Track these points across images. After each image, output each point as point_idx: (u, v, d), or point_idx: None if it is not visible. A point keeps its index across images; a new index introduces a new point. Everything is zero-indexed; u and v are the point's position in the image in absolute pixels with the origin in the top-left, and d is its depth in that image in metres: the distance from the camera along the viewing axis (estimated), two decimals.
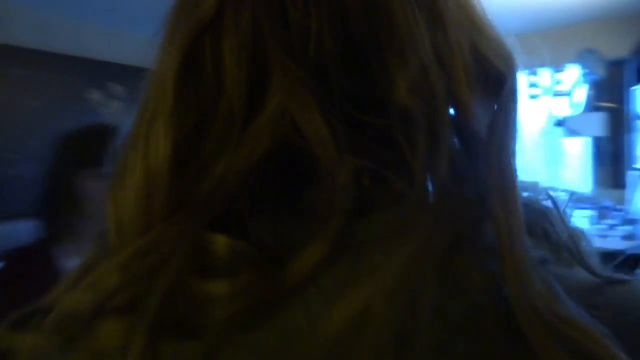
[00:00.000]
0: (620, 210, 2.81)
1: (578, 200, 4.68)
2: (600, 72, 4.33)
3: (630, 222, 2.67)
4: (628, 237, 2.47)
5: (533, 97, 4.82)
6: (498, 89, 0.30)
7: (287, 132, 0.25)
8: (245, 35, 0.25)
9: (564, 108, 4.94)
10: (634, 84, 3.11)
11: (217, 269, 0.23)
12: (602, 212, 2.75)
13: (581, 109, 4.62)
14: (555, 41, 4.92)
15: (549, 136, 5.13)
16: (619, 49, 4.53)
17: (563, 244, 0.28)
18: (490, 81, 0.30)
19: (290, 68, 0.24)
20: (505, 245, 0.24)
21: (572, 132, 4.58)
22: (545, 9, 4.13)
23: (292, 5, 0.25)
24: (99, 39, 3.48)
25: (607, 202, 4.29)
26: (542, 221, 0.29)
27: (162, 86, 0.26)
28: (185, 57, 0.26)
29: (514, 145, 0.29)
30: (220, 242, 0.23)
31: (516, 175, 0.28)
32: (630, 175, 2.99)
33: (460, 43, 0.28)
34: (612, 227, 2.80)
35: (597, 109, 4.63)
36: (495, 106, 0.29)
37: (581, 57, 4.48)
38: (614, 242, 2.45)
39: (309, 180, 0.26)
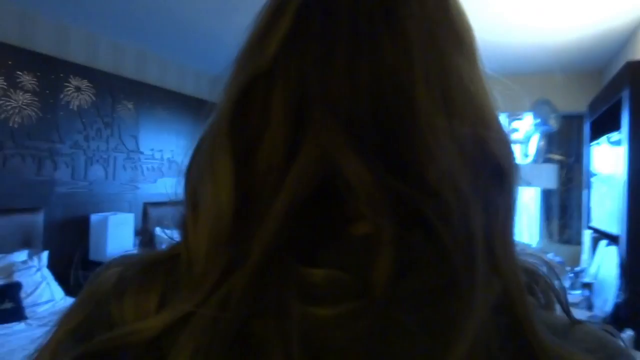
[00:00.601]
0: (575, 272, 2.58)
1: (522, 252, 4.52)
2: (554, 124, 4.25)
3: (586, 286, 2.43)
4: (582, 305, 2.22)
5: None
6: (499, 182, 0.33)
7: (327, 173, 0.28)
8: (293, 86, 0.30)
9: (517, 157, 4.84)
10: (589, 140, 2.96)
11: (321, 298, 0.27)
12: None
13: (533, 159, 4.52)
14: (513, 90, 4.84)
15: None
16: (574, 104, 4.51)
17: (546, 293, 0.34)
18: (493, 174, 0.32)
19: (329, 118, 0.29)
20: (516, 300, 0.29)
21: (523, 182, 4.45)
22: (506, 55, 4.04)
23: (333, 67, 0.29)
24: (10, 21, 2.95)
25: (556, 258, 4.15)
26: (532, 277, 0.34)
27: (219, 120, 0.32)
28: (241, 96, 0.31)
29: (513, 226, 0.33)
30: (318, 273, 0.28)
31: (515, 249, 0.31)
32: (586, 235, 2.79)
33: (467, 134, 0.31)
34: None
35: (549, 160, 4.55)
36: (496, 195, 0.32)
37: (535, 107, 4.40)
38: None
39: (348, 217, 0.30)
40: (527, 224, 5.01)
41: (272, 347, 0.26)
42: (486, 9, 2.87)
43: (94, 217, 3.33)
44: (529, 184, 4.45)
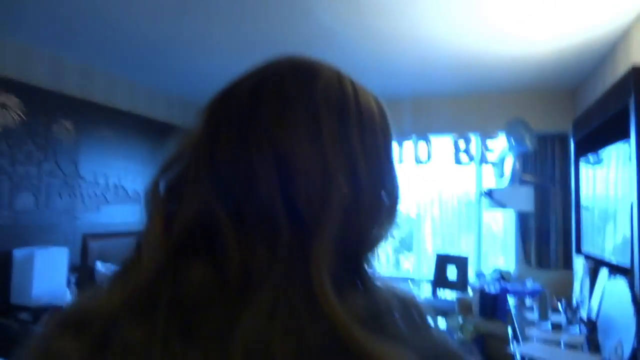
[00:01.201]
0: (568, 304, 2.26)
1: (502, 279, 4.24)
2: (530, 145, 4.04)
3: (587, 323, 2.12)
4: (586, 346, 1.89)
5: (459, 163, 4.45)
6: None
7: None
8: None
9: (491, 178, 4.60)
10: (575, 160, 2.71)
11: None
12: (543, 307, 2.18)
13: (509, 181, 4.29)
14: (485, 107, 4.68)
15: (475, 206, 4.74)
16: (549, 124, 4.34)
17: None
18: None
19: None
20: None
21: (498, 204, 4.21)
22: (479, 73, 3.84)
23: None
24: None
25: (535, 285, 3.87)
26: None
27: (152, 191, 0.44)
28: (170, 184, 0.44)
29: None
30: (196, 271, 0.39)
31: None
32: (577, 262, 2.50)
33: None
34: (556, 328, 2.23)
35: (525, 182, 4.32)
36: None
37: (510, 127, 4.20)
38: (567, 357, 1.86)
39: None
40: (503, 247, 4.75)
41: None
42: (472, 19, 2.62)
43: (18, 253, 2.82)
44: (504, 206, 4.21)
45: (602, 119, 2.13)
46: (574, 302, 2.35)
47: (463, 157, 4.43)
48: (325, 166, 0.40)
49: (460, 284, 4.56)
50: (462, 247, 5.02)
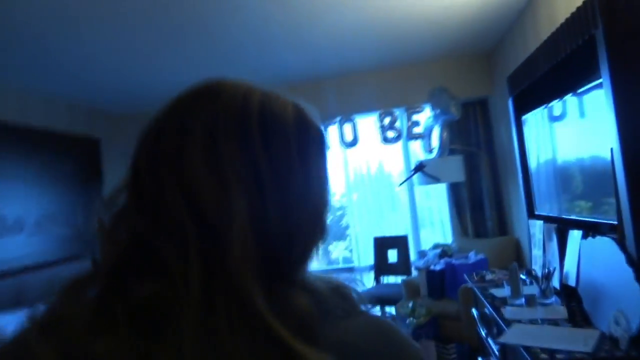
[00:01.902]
0: (533, 272, 2.04)
1: (445, 254, 4.07)
2: (456, 112, 3.88)
3: (567, 294, 1.89)
4: (579, 320, 1.65)
5: (387, 141, 4.20)
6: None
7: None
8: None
9: (420, 152, 4.41)
10: (514, 118, 2.51)
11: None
12: (514, 282, 1.93)
13: (437, 152, 4.11)
14: (408, 79, 4.47)
15: (406, 182, 4.53)
16: (470, 90, 4.22)
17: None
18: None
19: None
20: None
21: (431, 178, 4.02)
22: (399, 41, 3.57)
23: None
24: None
25: (479, 256, 3.74)
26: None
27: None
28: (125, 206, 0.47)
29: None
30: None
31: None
32: (535, 226, 2.29)
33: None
34: (530, 303, 1.98)
35: (455, 152, 4.18)
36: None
37: (433, 97, 4.01)
38: (555, 337, 1.60)
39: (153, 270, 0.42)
40: (438, 221, 4.61)
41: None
42: None
43: None
44: (437, 179, 4.02)
45: (549, 65, 1.90)
46: (536, 269, 2.13)
47: (390, 134, 4.19)
48: (221, 183, 0.42)
49: (403, 267, 4.34)
50: (397, 228, 4.81)
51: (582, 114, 1.88)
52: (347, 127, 4.26)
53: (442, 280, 3.68)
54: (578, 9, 1.58)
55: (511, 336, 1.58)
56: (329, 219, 0.50)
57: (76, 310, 0.41)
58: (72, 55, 3.01)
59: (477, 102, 4.28)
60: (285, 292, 0.42)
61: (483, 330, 2.23)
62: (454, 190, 4.34)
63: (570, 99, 1.97)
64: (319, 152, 0.48)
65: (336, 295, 0.45)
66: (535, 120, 2.32)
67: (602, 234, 1.61)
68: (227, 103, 0.45)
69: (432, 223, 4.67)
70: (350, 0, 2.65)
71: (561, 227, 1.97)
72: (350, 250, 5.05)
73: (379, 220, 4.91)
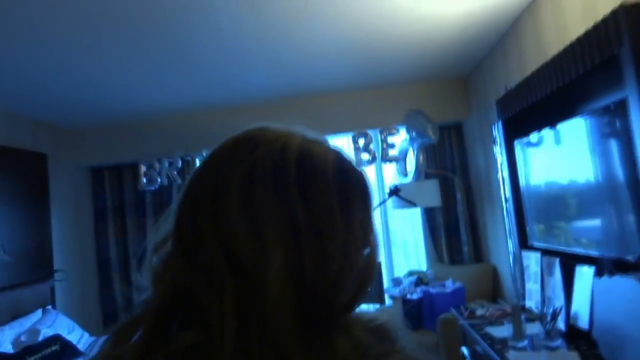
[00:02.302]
0: (536, 311, 1.86)
1: (420, 282, 3.88)
2: (432, 136, 3.76)
3: (573, 336, 1.72)
4: None
5: (362, 163, 4.01)
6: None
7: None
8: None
9: (395, 176, 4.24)
10: (505, 142, 2.38)
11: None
12: (517, 321, 1.73)
13: (413, 176, 3.96)
14: (383, 101, 4.32)
15: (380, 206, 4.34)
16: (445, 114, 4.12)
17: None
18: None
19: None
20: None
21: (406, 202, 3.85)
22: (374, 62, 3.42)
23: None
24: None
25: (457, 284, 3.57)
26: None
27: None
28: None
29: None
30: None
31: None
32: (531, 258, 2.13)
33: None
34: (534, 345, 1.79)
35: (429, 176, 4.04)
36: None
37: (409, 119, 3.88)
38: None
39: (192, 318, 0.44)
40: (413, 247, 4.44)
41: None
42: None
43: None
44: (412, 203, 3.86)
45: (551, 87, 1.77)
46: (532, 306, 1.96)
47: (364, 156, 4.00)
48: (258, 233, 0.42)
49: (377, 295, 4.11)
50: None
51: (573, 143, 1.76)
52: None
53: (419, 310, 3.47)
54: (595, 27, 1.44)
55: None
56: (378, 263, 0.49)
57: (123, 353, 0.43)
58: (14, 62, 2.65)
59: (452, 126, 4.19)
60: (325, 338, 0.42)
61: None
62: (429, 215, 4.18)
63: (564, 125, 1.84)
64: (361, 199, 0.48)
65: (375, 337, 0.45)
66: (523, 147, 2.18)
67: (623, 271, 1.45)
68: (265, 153, 0.45)
69: (406, 249, 4.48)
70: (329, 17, 2.46)
71: (565, 261, 1.82)
72: None
73: None
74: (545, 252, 2.02)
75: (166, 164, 4.04)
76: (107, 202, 4.31)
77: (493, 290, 3.72)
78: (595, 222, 1.69)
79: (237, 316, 0.39)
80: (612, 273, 1.49)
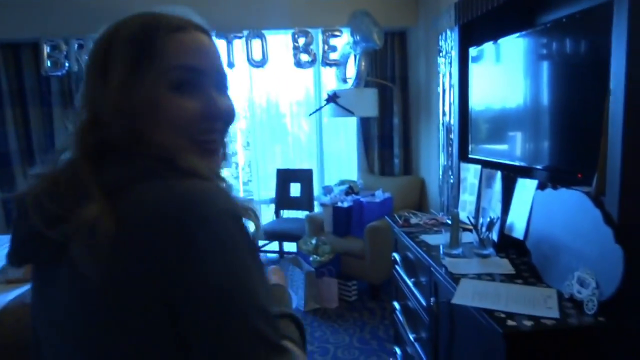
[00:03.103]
0: (467, 218, 1.87)
1: (351, 191, 3.88)
2: (378, 40, 3.53)
3: (493, 244, 1.76)
4: (528, 277, 1.50)
5: (300, 65, 3.73)
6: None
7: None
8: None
9: (334, 81, 4.02)
10: (459, 50, 2.25)
11: None
12: (455, 230, 1.74)
13: (353, 83, 3.77)
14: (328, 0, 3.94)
15: (319, 113, 4.16)
16: (391, 19, 3.86)
17: None
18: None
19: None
20: None
21: (344, 110, 3.70)
22: None
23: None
24: None
25: (386, 194, 3.61)
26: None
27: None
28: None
29: None
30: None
31: None
32: (469, 169, 2.12)
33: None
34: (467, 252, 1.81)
35: (370, 85, 3.87)
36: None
37: (354, 21, 3.59)
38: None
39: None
40: (346, 158, 4.39)
41: None
42: None
43: None
44: (351, 113, 3.72)
45: None
46: (464, 217, 1.98)
47: (303, 57, 3.71)
48: (86, 81, 0.61)
49: (306, 202, 4.08)
50: (299, 161, 4.49)
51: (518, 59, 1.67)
52: (256, 44, 3.68)
53: (348, 218, 3.50)
54: None
55: (464, 296, 1.39)
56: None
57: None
58: None
59: (397, 33, 3.98)
60: (113, 164, 0.55)
61: (406, 277, 2.06)
62: (364, 125, 4.10)
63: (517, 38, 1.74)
64: (121, 54, 0.58)
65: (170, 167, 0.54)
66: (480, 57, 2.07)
67: (567, 184, 1.45)
68: (113, 30, 0.60)
69: (339, 158, 4.43)
70: None
71: (507, 174, 1.81)
72: (249, 181, 4.64)
73: (282, 151, 4.53)
74: (485, 165, 2.00)
75: (75, 46, 3.46)
76: (1, 86, 3.67)
77: (419, 201, 3.83)
78: (540, 141, 1.66)
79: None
80: (555, 186, 1.49)
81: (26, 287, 2.21)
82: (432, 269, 1.72)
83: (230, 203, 0.52)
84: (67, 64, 3.46)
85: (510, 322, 1.21)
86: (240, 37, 3.62)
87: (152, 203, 0.49)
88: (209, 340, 0.47)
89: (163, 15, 0.60)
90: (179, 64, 0.57)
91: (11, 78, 3.69)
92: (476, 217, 1.98)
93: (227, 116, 0.63)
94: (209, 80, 0.60)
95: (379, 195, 3.55)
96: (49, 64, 3.45)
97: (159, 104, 0.56)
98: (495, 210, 1.86)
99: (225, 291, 0.47)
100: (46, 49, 3.43)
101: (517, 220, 1.70)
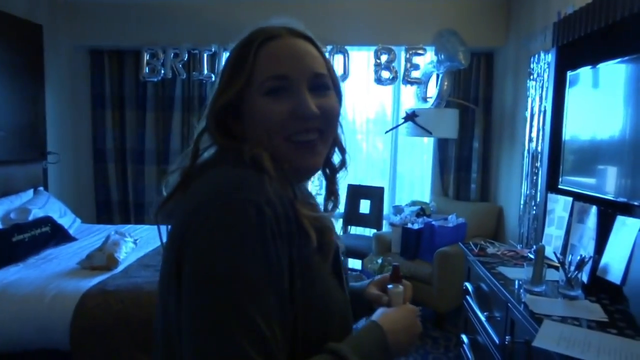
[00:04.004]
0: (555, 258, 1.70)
1: (423, 213, 3.75)
2: (463, 60, 3.41)
3: (582, 287, 1.58)
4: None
5: (380, 82, 3.70)
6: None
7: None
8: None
9: (414, 100, 3.95)
10: (555, 74, 2.09)
11: None
12: (539, 265, 1.58)
13: (433, 103, 3.67)
14: (413, 15, 3.90)
15: (394, 131, 4.10)
16: (480, 40, 3.73)
17: None
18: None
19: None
20: None
21: (422, 130, 3.60)
22: None
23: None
24: None
25: (460, 219, 3.44)
26: None
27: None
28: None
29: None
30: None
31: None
32: (558, 202, 1.94)
33: None
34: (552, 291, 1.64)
35: (450, 105, 3.75)
36: None
37: (440, 39, 3.51)
38: None
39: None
40: (419, 179, 4.26)
41: None
42: None
43: None
44: (429, 133, 3.61)
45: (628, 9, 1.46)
46: (549, 252, 1.81)
47: (385, 74, 3.67)
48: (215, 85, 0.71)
49: (375, 219, 4.00)
50: (371, 178, 4.43)
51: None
52: (338, 59, 3.71)
53: (417, 240, 3.38)
54: None
55: (548, 339, 1.25)
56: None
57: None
58: None
59: (483, 54, 3.82)
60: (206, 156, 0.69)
61: (478, 310, 1.92)
62: (441, 147, 3.96)
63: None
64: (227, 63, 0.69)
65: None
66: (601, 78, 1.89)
67: None
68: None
69: (412, 179, 4.31)
70: None
71: (604, 210, 1.63)
72: (317, 195, 4.64)
73: (354, 168, 4.49)
74: (577, 198, 1.83)
75: (171, 55, 3.70)
76: (105, 89, 4.01)
77: (496, 230, 3.61)
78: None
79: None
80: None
81: (107, 275, 2.36)
82: (509, 304, 1.58)
83: (257, 194, 0.56)
84: (162, 71, 3.71)
85: None
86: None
87: (199, 183, 0.61)
88: (187, 315, 0.54)
89: (263, 27, 0.67)
90: (270, 75, 0.64)
91: (114, 82, 4.02)
92: (564, 254, 1.80)
93: (324, 116, 0.66)
94: (300, 83, 0.64)
95: (452, 220, 3.39)
96: (147, 70, 3.72)
97: (254, 108, 0.65)
98: (586, 249, 1.68)
99: (202, 274, 0.53)
100: (145, 56, 3.70)
101: (614, 262, 1.52)
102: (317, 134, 0.66)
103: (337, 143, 0.76)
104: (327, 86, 0.67)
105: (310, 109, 0.64)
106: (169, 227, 0.62)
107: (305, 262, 0.59)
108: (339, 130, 0.75)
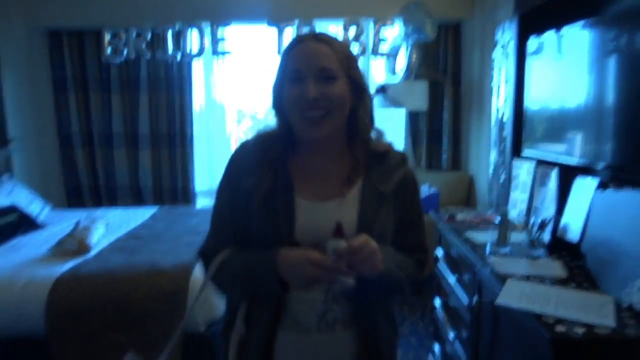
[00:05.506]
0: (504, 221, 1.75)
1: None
2: (430, 32, 3.42)
3: (544, 246, 1.65)
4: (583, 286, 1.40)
5: None
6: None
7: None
8: None
9: (384, 72, 3.95)
10: (517, 43, 2.12)
11: None
12: (503, 227, 1.65)
13: (403, 76, 3.68)
14: None
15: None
16: (447, 11, 3.73)
17: None
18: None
19: None
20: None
21: (392, 103, 3.62)
22: None
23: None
24: None
25: (432, 189, 3.51)
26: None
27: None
28: None
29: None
30: None
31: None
32: (522, 167, 2.01)
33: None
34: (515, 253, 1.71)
35: (419, 78, 3.76)
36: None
37: (407, 11, 3.50)
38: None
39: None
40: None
41: None
42: None
43: None
44: (398, 104, 3.64)
45: None
46: (514, 215, 1.88)
47: (353, 47, 3.65)
48: None
49: None
50: None
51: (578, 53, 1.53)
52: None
53: None
54: None
55: (510, 297, 1.31)
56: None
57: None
58: None
59: (450, 26, 3.83)
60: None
61: (449, 274, 1.99)
62: (412, 119, 3.99)
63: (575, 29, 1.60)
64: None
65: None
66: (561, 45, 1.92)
67: (632, 185, 1.33)
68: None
69: None
70: None
71: (563, 172, 1.69)
72: None
73: None
74: (540, 163, 1.89)
75: (134, 35, 3.58)
76: (66, 72, 3.86)
77: (467, 198, 3.70)
78: (604, 138, 1.53)
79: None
80: (619, 186, 1.37)
81: (80, 260, 2.33)
82: (476, 266, 1.65)
83: (237, 152, 1.02)
84: (125, 52, 3.60)
85: (559, 328, 1.13)
86: (291, 26, 3.61)
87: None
88: None
89: (300, 35, 1.04)
90: (291, 69, 0.92)
91: (75, 64, 3.88)
92: (527, 216, 1.87)
93: (327, 99, 0.89)
94: (309, 75, 0.89)
95: (425, 190, 3.46)
96: (109, 51, 3.60)
97: (285, 92, 0.93)
98: (548, 210, 1.75)
99: None
100: (107, 37, 3.57)
101: (573, 221, 1.59)
102: (324, 111, 0.89)
103: (357, 117, 0.97)
104: (332, 77, 0.89)
105: (309, 94, 0.88)
106: None
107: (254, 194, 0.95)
108: (366, 105, 0.99)
